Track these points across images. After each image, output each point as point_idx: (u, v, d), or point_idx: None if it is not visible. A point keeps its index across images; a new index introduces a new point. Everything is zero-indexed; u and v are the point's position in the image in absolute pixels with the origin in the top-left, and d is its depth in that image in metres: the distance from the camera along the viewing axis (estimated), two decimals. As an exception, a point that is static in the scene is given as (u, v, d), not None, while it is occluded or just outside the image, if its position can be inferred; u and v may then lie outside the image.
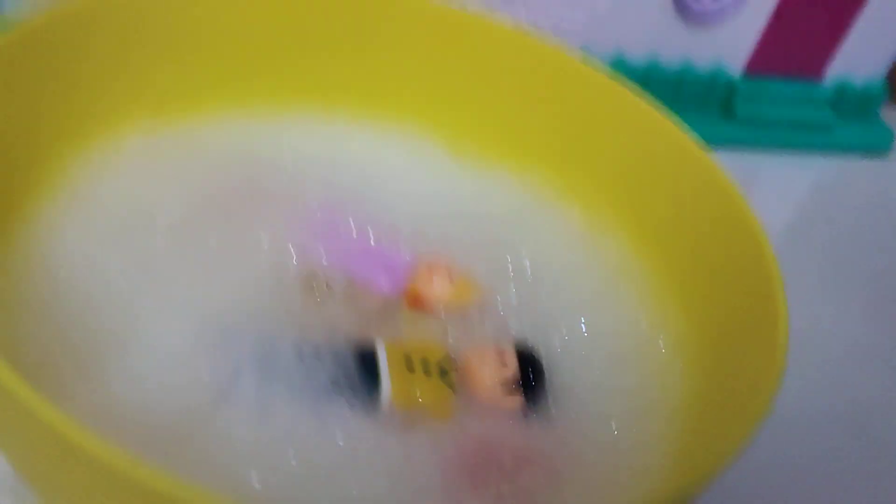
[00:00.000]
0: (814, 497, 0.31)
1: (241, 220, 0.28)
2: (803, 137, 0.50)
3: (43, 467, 0.20)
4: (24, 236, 0.26)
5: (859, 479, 0.33)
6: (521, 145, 0.32)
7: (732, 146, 0.49)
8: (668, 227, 0.29)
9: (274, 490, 0.22)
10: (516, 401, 0.26)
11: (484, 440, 0.24)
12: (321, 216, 0.29)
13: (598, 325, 0.28)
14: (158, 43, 0.30)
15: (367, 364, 0.25)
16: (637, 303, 0.28)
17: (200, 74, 0.31)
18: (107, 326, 0.24)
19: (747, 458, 0.21)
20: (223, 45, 0.31)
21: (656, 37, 0.46)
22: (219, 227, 0.28)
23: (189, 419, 0.23)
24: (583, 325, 0.28)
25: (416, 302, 0.28)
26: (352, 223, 0.30)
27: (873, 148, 0.52)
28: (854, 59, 0.50)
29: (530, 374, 0.26)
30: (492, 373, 0.26)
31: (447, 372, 0.26)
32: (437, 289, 0.28)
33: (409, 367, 0.26)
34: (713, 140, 0.46)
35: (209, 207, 0.29)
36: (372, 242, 0.29)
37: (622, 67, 0.46)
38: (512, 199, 0.31)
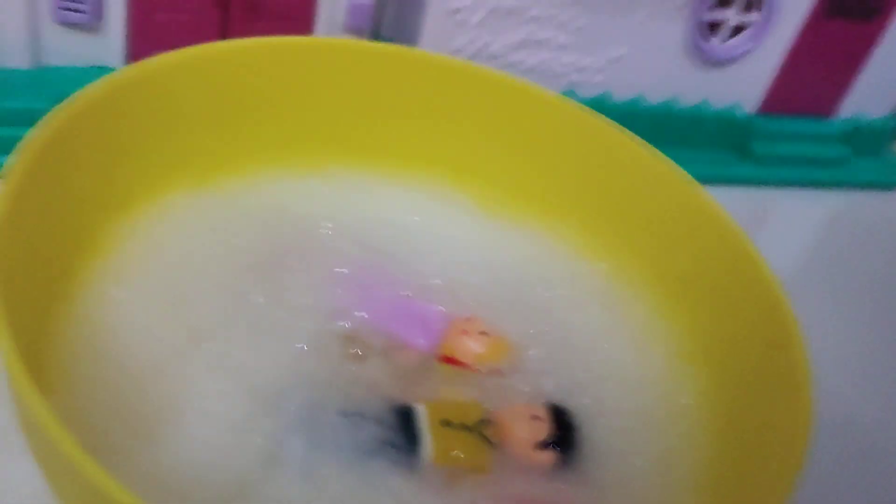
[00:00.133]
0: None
1: (281, 281, 0.30)
2: (817, 173, 0.51)
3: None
4: (76, 302, 0.27)
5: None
6: (547, 200, 0.33)
7: (748, 183, 0.50)
8: (687, 281, 0.30)
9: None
10: (550, 457, 0.27)
11: (524, 497, 0.25)
12: (357, 273, 0.31)
13: (625, 383, 0.29)
14: (201, 110, 0.31)
15: (406, 422, 0.26)
16: (663, 360, 0.29)
17: (241, 139, 0.32)
18: (158, 390, 0.26)
19: None
20: (262, 111, 0.32)
21: (674, 79, 0.47)
22: (261, 288, 0.29)
23: (240, 483, 0.24)
24: (611, 383, 0.29)
25: (449, 358, 0.29)
26: (386, 280, 0.31)
27: (885, 182, 0.53)
28: (865, 97, 0.51)
29: (564, 432, 0.27)
30: (526, 430, 0.27)
31: (483, 427, 0.27)
32: (471, 347, 0.29)
33: (447, 424, 0.27)
34: (729, 178, 0.48)
35: (251, 269, 0.30)
36: (406, 299, 0.31)
37: (641, 109, 0.47)
38: (541, 253, 0.33)
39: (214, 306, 0.28)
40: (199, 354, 0.27)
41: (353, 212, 0.32)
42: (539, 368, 0.29)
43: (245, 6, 0.41)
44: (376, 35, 0.45)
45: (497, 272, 0.32)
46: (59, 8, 0.39)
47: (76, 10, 0.40)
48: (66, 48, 0.41)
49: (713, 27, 0.46)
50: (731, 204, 0.30)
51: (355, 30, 0.43)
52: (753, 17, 0.46)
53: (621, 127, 0.32)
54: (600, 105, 0.45)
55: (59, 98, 0.40)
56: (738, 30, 0.47)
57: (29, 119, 0.40)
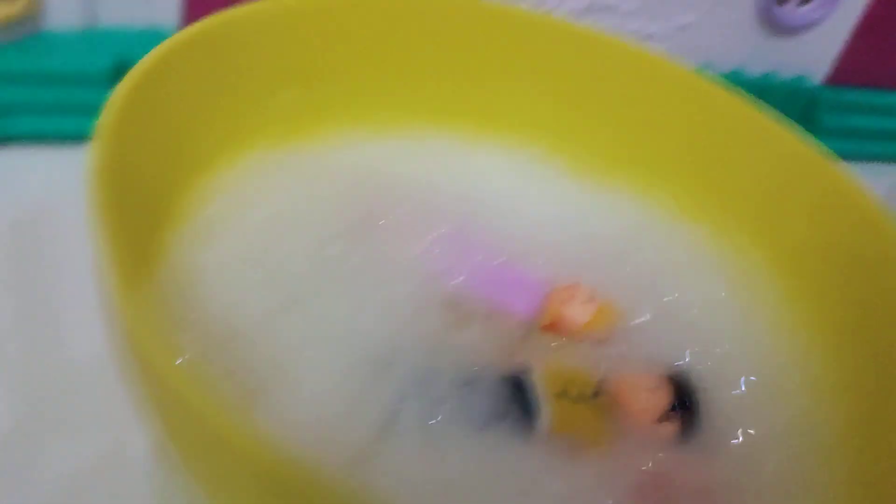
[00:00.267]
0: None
1: (374, 244, 0.28)
2: (886, 147, 0.49)
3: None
4: (165, 268, 0.26)
5: None
6: (643, 163, 0.32)
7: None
8: (806, 248, 0.29)
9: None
10: (672, 429, 0.25)
11: (655, 471, 0.24)
12: (453, 237, 0.29)
13: (740, 351, 0.28)
14: (283, 63, 0.29)
15: (520, 390, 0.25)
16: (778, 328, 0.28)
17: (325, 95, 0.30)
18: (264, 353, 0.24)
19: None
20: (347, 66, 0.30)
21: (742, 47, 0.46)
22: (354, 251, 0.28)
23: (358, 448, 0.22)
24: (724, 351, 0.28)
25: (553, 325, 0.28)
26: (483, 245, 0.29)
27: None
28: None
29: (685, 403, 0.25)
30: (646, 401, 0.25)
31: (599, 398, 0.25)
32: (577, 314, 0.28)
33: (563, 394, 0.25)
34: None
35: (342, 231, 0.28)
36: (504, 264, 0.29)
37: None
38: (639, 217, 0.31)
39: (307, 268, 0.27)
40: (300, 318, 0.25)
41: (445, 175, 0.31)
42: (647, 337, 0.28)
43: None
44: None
45: (596, 237, 0.30)
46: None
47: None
48: (120, 8, 0.40)
49: (785, -6, 0.45)
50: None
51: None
52: (826, -18, 0.45)
53: (717, 78, 0.31)
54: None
55: (113, 59, 0.39)
56: (810, -4, 0.45)
57: (83, 80, 0.39)
